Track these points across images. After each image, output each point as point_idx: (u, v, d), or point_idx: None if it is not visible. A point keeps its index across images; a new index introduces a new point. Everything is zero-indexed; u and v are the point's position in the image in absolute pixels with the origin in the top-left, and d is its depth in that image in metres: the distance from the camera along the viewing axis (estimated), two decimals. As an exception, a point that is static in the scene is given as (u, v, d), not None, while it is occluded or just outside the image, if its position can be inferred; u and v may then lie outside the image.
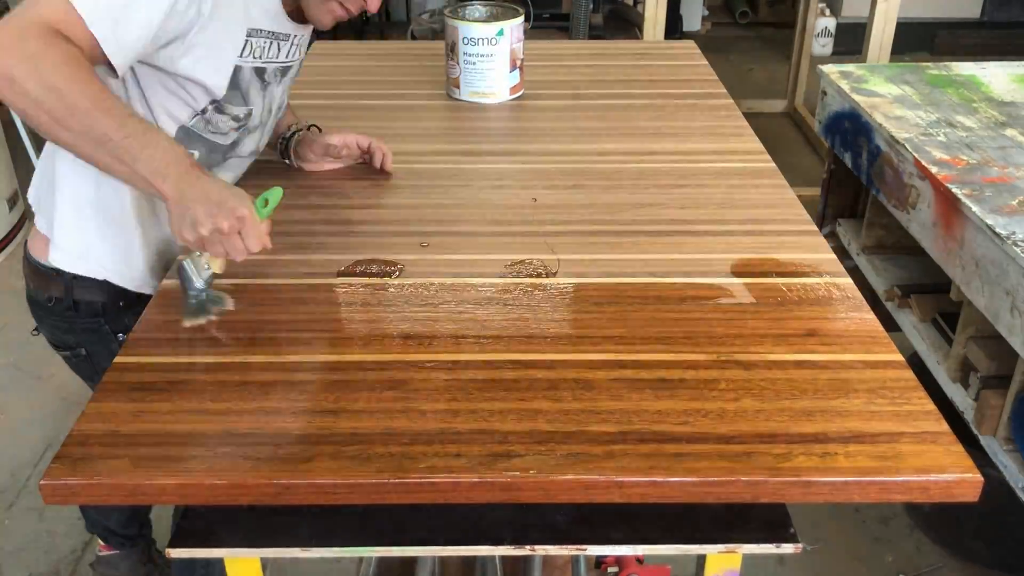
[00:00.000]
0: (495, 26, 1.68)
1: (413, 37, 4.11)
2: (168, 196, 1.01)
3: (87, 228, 1.21)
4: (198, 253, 1.07)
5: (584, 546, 0.93)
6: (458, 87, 1.75)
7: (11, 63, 0.93)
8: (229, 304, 1.10)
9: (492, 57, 1.70)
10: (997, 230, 1.44)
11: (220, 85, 1.15)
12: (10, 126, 3.32)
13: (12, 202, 3.30)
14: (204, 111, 1.17)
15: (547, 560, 1.51)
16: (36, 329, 1.35)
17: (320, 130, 1.46)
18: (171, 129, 1.16)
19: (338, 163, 1.46)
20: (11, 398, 2.52)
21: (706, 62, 2.02)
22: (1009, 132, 1.81)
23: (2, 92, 0.96)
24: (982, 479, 0.83)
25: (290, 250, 1.22)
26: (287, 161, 1.46)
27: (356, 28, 5.23)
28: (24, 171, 3.40)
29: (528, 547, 0.92)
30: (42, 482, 0.82)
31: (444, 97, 1.79)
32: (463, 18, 1.71)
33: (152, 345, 1.01)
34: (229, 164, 1.30)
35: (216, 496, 0.83)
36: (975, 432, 1.61)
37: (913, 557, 2.00)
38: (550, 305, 1.08)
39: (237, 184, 1.29)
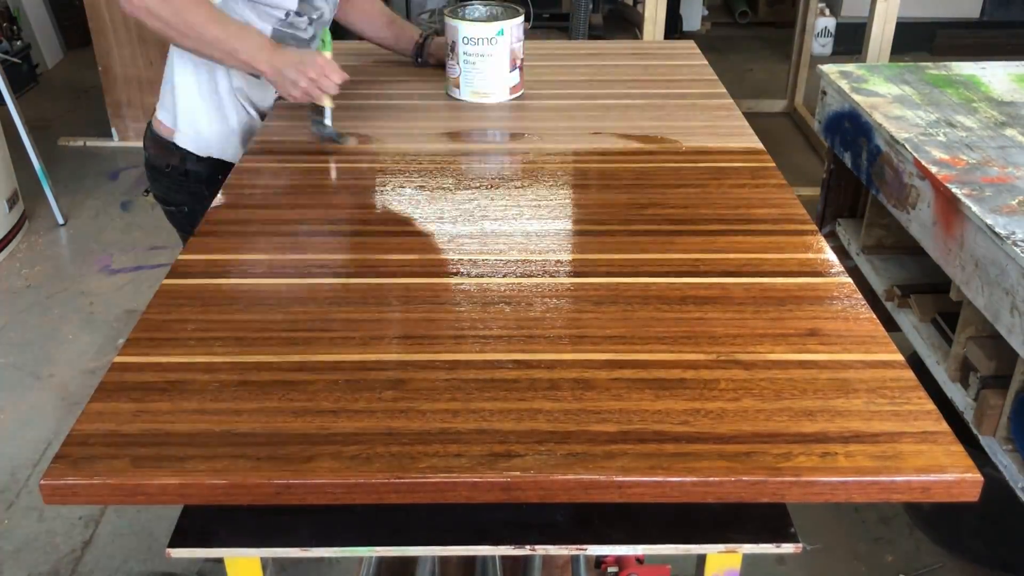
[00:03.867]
0: (495, 26, 1.68)
1: (413, 37, 4.11)
2: (266, 71, 1.46)
3: (198, 118, 1.62)
4: (311, 106, 1.50)
5: (584, 546, 0.93)
6: (458, 87, 1.75)
7: None
8: (351, 141, 1.53)
9: (492, 57, 1.70)
10: (997, 230, 1.44)
11: (293, 3, 1.59)
12: (10, 126, 3.32)
13: (12, 202, 3.30)
14: (287, 15, 1.60)
15: (547, 560, 1.51)
16: (147, 191, 1.88)
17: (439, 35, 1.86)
18: (265, 30, 1.58)
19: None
20: (11, 398, 2.52)
21: (706, 62, 2.02)
22: (1009, 132, 1.81)
23: (141, 17, 1.41)
24: (982, 479, 0.83)
25: (290, 250, 1.22)
26: (419, 60, 1.93)
27: (356, 28, 5.22)
28: (24, 171, 3.40)
29: (528, 547, 0.92)
30: (42, 482, 0.82)
31: (444, 97, 1.79)
32: (463, 18, 1.70)
33: (152, 345, 1.01)
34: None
35: (216, 496, 0.83)
36: (975, 432, 1.61)
37: (913, 557, 2.00)
38: (550, 305, 1.08)
39: None
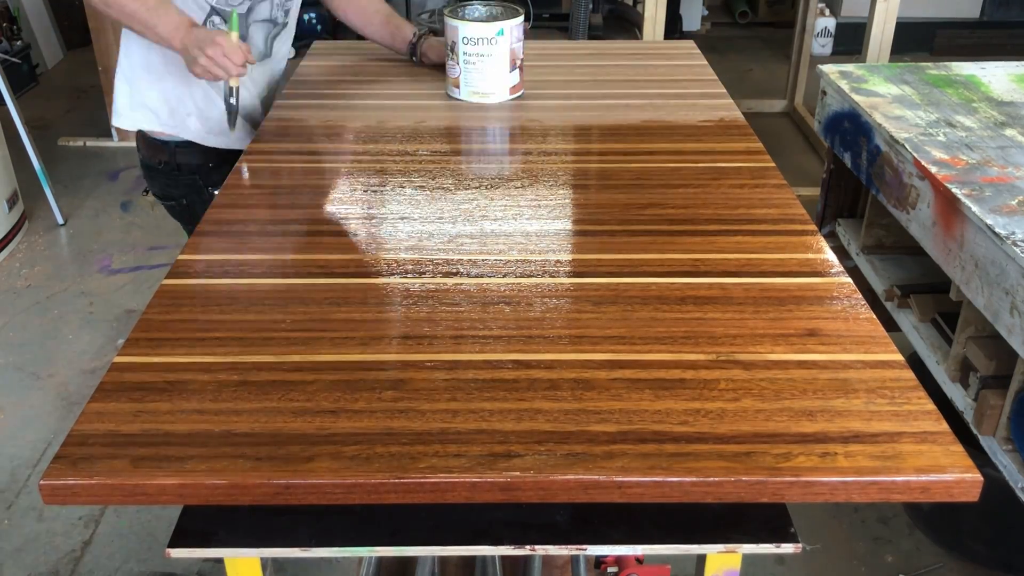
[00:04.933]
0: (495, 26, 1.68)
1: (413, 37, 4.11)
2: (176, 47, 1.49)
3: (173, 107, 1.67)
4: (227, 84, 1.54)
5: (584, 546, 0.93)
6: (458, 87, 1.75)
7: None
8: (237, 129, 1.58)
9: (492, 57, 1.70)
10: (997, 230, 1.44)
11: None
12: (10, 126, 3.32)
13: (12, 202, 3.29)
14: None
15: (547, 560, 1.51)
16: (146, 190, 1.84)
17: (436, 35, 1.91)
18: (204, 10, 1.61)
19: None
20: (11, 398, 2.52)
21: (706, 62, 2.02)
22: (1009, 132, 1.81)
23: None
24: (982, 479, 0.83)
25: (290, 250, 1.22)
26: (413, 59, 1.95)
27: (356, 28, 5.22)
28: (24, 171, 3.40)
29: (528, 547, 0.92)
30: (42, 482, 0.82)
31: (444, 97, 1.79)
32: (463, 18, 1.70)
33: (152, 345, 1.01)
34: (254, 29, 1.70)
35: (216, 496, 0.83)
36: (975, 432, 1.61)
37: (913, 557, 2.00)
38: (550, 305, 1.08)
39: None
